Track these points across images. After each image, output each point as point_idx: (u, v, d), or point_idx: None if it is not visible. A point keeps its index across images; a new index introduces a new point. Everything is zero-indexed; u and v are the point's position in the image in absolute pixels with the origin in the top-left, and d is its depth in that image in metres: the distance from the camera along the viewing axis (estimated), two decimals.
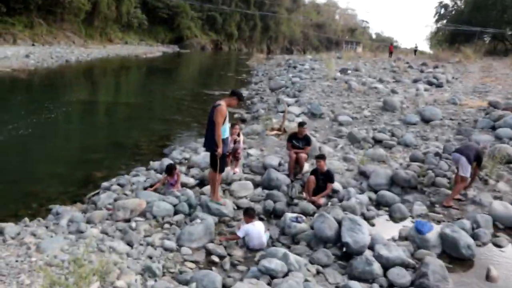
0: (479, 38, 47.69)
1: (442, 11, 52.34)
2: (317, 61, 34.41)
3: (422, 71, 25.51)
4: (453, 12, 52.12)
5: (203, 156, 9.42)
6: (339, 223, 6.01)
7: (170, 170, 7.66)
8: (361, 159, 9.51)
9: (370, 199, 7.78)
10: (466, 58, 34.10)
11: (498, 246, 6.46)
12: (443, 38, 55.28)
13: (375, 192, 8.15)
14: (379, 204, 7.69)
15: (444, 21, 52.41)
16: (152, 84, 26.26)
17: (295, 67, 30.36)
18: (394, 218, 7.24)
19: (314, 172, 7.77)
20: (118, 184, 8.15)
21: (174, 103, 19.70)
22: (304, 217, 6.44)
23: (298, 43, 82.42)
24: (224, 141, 6.59)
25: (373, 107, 14.17)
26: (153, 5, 58.58)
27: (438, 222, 7.15)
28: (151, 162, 9.66)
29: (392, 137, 11.16)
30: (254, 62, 42.31)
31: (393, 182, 8.36)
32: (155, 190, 7.53)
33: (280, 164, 9.28)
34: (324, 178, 7.65)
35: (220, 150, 6.46)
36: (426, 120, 12.61)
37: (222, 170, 6.86)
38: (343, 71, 23.23)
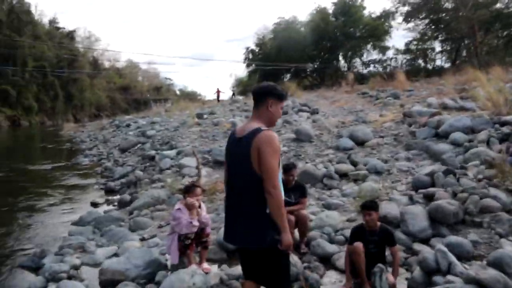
0: (282, 78, 50.42)
1: (251, 56, 54.16)
2: (146, 117, 31.14)
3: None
4: (260, 56, 54.45)
5: (121, 256, 5.26)
6: None
7: None
8: (356, 201, 6.58)
9: None
10: (293, 92, 34.71)
11: None
12: (253, 81, 56.79)
13: (423, 242, 5.32)
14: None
15: (253, 65, 54.30)
16: None
17: (128, 125, 26.65)
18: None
19: (357, 233, 4.49)
20: None
21: None
22: None
23: (106, 108, 77.27)
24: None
25: (284, 140, 11.46)
26: None
27: None
28: None
29: (357, 166, 8.52)
30: (69, 131, 36.66)
31: (433, 221, 5.62)
32: None
33: None
34: (379, 240, 4.43)
35: (288, 236, 2.80)
36: (360, 143, 10.42)
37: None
38: (199, 116, 20.42)
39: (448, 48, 44.04)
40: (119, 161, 15.06)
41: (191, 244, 4.68)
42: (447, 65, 42.04)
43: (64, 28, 76.99)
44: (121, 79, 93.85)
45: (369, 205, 4.45)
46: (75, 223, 8.12)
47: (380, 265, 4.08)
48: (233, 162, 3.00)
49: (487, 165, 7.27)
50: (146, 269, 4.80)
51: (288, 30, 48.35)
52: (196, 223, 4.62)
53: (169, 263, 4.88)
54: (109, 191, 11.32)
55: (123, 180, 11.74)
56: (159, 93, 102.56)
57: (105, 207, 9.62)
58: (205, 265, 4.84)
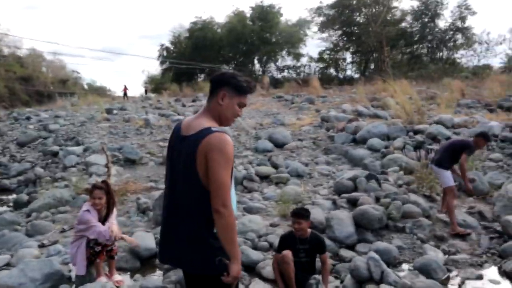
0: (196, 78, 50.07)
1: (165, 53, 52.90)
2: (49, 110, 28.93)
3: (184, 105, 23.91)
4: (174, 54, 53.59)
5: (14, 267, 4.48)
6: None
7: None
8: (279, 205, 6.30)
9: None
10: (207, 92, 34.42)
11: None
12: (167, 78, 55.92)
13: (349, 248, 5.19)
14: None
15: (167, 63, 53.22)
16: None
17: (28, 118, 24.43)
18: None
19: (286, 242, 4.17)
20: None
21: None
22: None
23: (4, 99, 70.89)
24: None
25: None
26: None
27: (480, 265, 4.78)
28: None
29: (278, 168, 8.28)
30: None
31: (358, 226, 5.52)
32: None
33: None
34: (309, 248, 4.14)
35: (238, 266, 2.23)
36: (279, 145, 10.25)
37: None
38: (109, 111, 19.20)
39: (358, 59, 46.34)
40: (17, 156, 13.56)
41: (101, 252, 4.04)
42: (356, 75, 44.11)
43: None
44: (23, 69, 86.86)
45: (299, 213, 4.14)
46: None
47: (316, 276, 3.80)
48: (175, 166, 2.38)
49: (405, 171, 7.41)
50: (45, 283, 4.06)
51: (204, 30, 47.85)
52: (102, 229, 3.97)
53: (73, 275, 4.20)
54: (3, 190, 10.10)
55: (20, 178, 10.53)
56: (65, 86, 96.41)
57: None
58: (117, 276, 4.22)
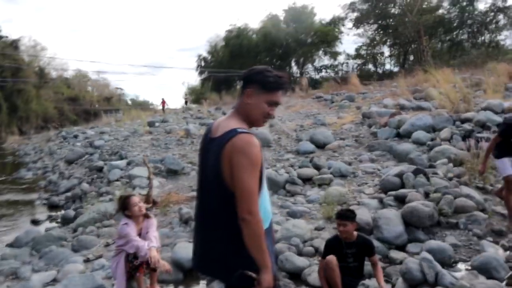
0: (235, 85, 50.31)
1: (203, 63, 53.58)
2: (95, 128, 29.85)
3: (224, 113, 24.01)
4: (212, 64, 54.14)
5: (59, 283, 4.49)
6: None
7: None
8: (323, 207, 6.08)
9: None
10: None
11: None
12: (206, 88, 56.54)
13: (399, 248, 4.90)
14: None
15: (206, 73, 53.81)
16: None
17: (76, 136, 25.31)
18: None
19: (333, 246, 3.95)
20: None
21: None
22: None
23: (54, 120, 73.90)
24: (267, 234, 2.18)
25: None
26: None
27: None
28: None
29: (320, 170, 8.05)
30: (13, 144, 34.77)
31: (407, 225, 5.21)
32: None
33: None
34: (357, 252, 3.91)
35: (268, 277, 2.05)
36: (321, 146, 10.01)
37: None
38: (151, 124, 19.57)
39: (396, 52, 45.10)
40: (65, 173, 14.00)
41: (141, 265, 3.97)
42: (396, 69, 42.93)
43: (7, 37, 73.18)
44: (70, 90, 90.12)
45: (344, 215, 3.91)
46: (10, 245, 7.19)
47: (365, 282, 3.57)
48: (203, 170, 2.27)
49: (455, 163, 7.01)
50: None
51: (240, 37, 48.05)
52: (142, 244, 3.90)
53: None
54: (53, 207, 10.40)
55: (68, 194, 10.81)
56: (109, 103, 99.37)
57: (47, 225, 8.74)
58: None
